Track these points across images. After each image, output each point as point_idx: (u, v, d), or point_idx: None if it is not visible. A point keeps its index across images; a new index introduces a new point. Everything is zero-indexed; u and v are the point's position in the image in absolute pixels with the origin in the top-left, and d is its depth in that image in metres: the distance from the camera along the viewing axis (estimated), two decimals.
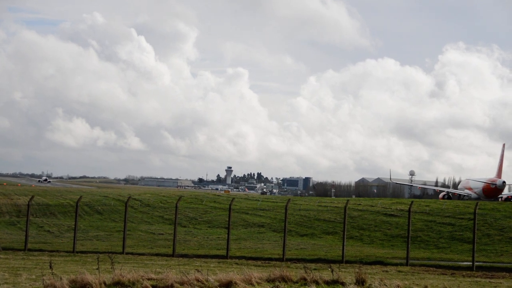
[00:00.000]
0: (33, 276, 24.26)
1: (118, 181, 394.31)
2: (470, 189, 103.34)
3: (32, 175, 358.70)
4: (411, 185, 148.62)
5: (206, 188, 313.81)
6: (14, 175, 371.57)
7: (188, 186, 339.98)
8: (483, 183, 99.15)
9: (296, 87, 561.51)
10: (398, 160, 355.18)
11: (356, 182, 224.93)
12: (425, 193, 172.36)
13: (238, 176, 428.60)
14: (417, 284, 24.50)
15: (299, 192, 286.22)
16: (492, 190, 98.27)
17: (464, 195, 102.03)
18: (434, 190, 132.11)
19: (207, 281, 21.39)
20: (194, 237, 52.40)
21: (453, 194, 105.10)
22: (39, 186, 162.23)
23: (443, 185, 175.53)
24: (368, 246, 46.46)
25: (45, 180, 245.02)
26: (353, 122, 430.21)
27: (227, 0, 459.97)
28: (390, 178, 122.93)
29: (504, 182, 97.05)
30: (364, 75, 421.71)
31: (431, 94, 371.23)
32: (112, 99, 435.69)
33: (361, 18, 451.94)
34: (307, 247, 44.32)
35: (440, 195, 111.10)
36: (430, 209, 61.03)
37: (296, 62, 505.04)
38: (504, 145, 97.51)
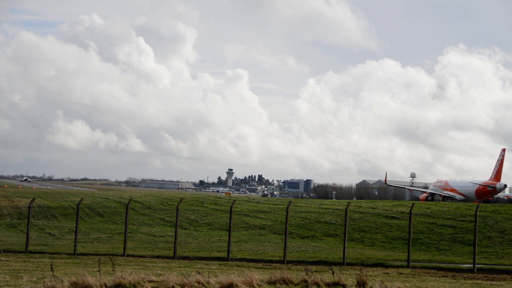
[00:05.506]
0: (34, 278, 24.31)
1: (119, 183, 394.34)
2: (452, 190, 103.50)
3: (33, 177, 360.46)
4: (403, 187, 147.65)
5: (207, 190, 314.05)
6: (15, 177, 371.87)
7: (189, 189, 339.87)
8: (478, 185, 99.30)
9: (297, 88, 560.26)
10: (399, 162, 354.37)
11: (357, 184, 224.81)
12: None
13: (239, 178, 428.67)
14: (418, 286, 24.53)
15: (300, 194, 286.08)
16: (488, 193, 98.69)
17: (448, 197, 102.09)
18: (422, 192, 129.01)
19: (208, 283, 21.40)
20: (195, 239, 52.41)
21: (439, 195, 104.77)
22: (39, 188, 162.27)
23: None
24: (369, 248, 46.46)
25: (25, 180, 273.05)
26: (354, 124, 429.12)
27: (228, 0, 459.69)
28: (385, 181, 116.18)
29: (505, 185, 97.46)
30: (365, 77, 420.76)
31: (433, 96, 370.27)
32: (112, 101, 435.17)
33: (363, 19, 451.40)
34: (308, 249, 44.32)
35: (421, 196, 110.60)
36: (431, 211, 61.05)
37: (299, 63, 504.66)
38: (504, 150, 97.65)
